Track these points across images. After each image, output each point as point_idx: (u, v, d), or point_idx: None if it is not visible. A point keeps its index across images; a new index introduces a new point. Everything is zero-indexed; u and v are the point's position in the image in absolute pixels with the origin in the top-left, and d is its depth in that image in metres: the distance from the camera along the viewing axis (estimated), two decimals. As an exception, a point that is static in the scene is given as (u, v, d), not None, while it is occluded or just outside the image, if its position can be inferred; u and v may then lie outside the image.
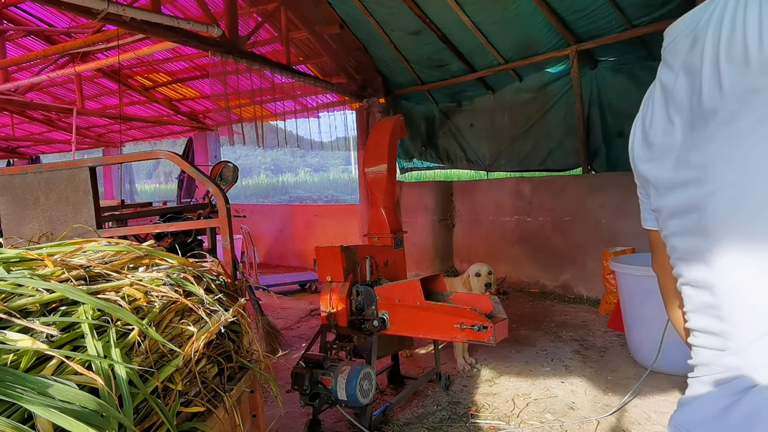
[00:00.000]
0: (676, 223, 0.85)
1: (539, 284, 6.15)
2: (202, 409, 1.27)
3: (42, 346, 0.95)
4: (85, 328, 1.05)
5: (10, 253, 1.29)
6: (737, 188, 0.73)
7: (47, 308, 1.11)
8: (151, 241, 1.88)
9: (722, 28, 0.74)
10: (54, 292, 1.11)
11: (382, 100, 6.81)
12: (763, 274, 0.72)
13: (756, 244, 0.72)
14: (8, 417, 0.82)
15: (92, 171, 2.03)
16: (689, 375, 0.86)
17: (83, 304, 1.11)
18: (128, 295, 1.24)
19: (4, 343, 0.93)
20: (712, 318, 0.79)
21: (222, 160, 5.17)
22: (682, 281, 0.86)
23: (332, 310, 2.92)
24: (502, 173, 6.92)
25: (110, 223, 3.41)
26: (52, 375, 0.92)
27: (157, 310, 1.25)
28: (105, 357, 1.02)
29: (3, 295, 1.07)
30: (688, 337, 0.87)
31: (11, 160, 11.93)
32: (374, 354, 2.88)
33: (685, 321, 0.87)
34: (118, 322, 1.12)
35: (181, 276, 1.45)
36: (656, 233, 0.97)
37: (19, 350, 0.92)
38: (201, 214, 3.77)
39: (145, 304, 1.25)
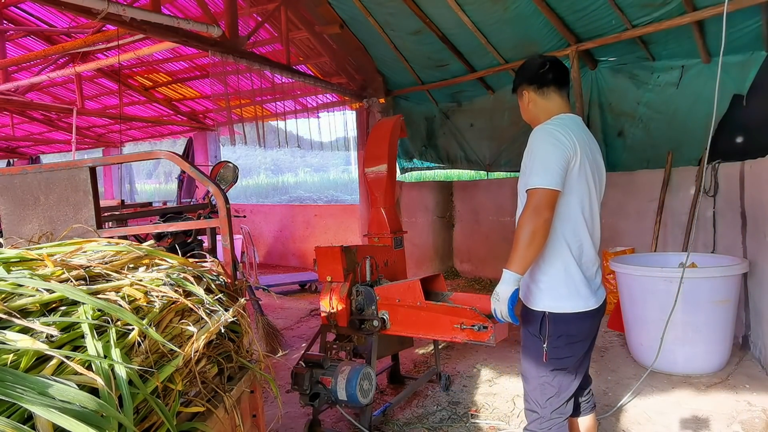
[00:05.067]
0: None
1: (539, 284, 6.12)
2: (202, 409, 1.27)
3: (42, 346, 0.95)
4: (85, 328, 1.05)
5: (10, 253, 1.29)
6: None
7: (47, 308, 1.11)
8: (151, 241, 1.88)
9: None
10: (54, 292, 1.11)
11: (382, 100, 6.80)
12: None
13: None
14: (8, 417, 0.82)
15: (92, 171, 2.03)
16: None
17: (83, 304, 1.11)
18: (128, 295, 1.24)
19: (4, 343, 0.93)
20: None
21: (222, 160, 5.17)
22: None
23: (332, 310, 2.92)
24: (502, 173, 6.91)
25: (110, 223, 3.41)
26: (52, 375, 0.92)
27: (157, 310, 1.25)
28: (105, 357, 1.02)
29: (3, 295, 1.07)
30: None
31: (11, 160, 11.93)
32: (374, 354, 2.88)
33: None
34: (118, 322, 1.12)
35: (181, 276, 1.45)
36: None
37: (19, 350, 0.92)
38: (201, 214, 3.77)
39: (145, 304, 1.25)
